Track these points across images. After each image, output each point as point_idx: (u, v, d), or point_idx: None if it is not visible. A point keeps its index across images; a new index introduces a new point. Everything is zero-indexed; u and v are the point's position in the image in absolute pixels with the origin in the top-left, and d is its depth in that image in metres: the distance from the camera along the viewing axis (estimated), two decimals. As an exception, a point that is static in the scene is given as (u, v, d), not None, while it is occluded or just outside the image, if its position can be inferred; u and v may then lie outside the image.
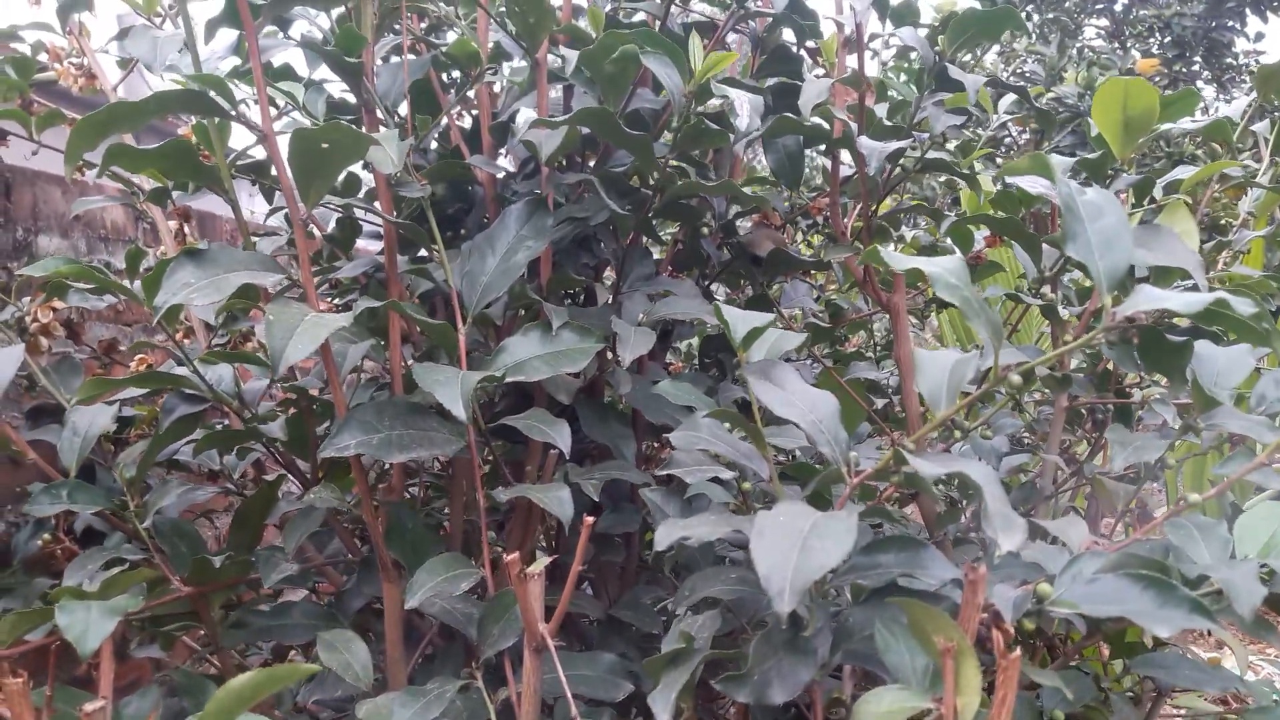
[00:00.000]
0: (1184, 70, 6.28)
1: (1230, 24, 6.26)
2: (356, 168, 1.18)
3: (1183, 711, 1.12)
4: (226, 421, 1.01)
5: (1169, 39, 6.25)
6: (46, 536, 0.99)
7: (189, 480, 1.10)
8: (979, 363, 0.63)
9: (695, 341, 1.45)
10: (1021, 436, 1.17)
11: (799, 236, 1.29)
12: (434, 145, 1.13)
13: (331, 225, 1.10)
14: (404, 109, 0.99)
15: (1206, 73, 6.36)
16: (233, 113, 0.71)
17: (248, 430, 0.84)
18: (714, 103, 0.96)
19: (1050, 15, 6.18)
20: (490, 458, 0.93)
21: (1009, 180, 1.03)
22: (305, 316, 0.70)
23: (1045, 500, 1.07)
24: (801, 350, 1.14)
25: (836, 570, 0.67)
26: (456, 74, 1.12)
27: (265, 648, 1.05)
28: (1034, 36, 6.08)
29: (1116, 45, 6.30)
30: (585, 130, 0.90)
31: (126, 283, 1.01)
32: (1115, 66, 5.68)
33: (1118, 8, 6.69)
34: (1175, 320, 0.99)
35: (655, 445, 1.18)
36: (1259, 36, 6.73)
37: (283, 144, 0.77)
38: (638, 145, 0.83)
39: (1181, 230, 0.88)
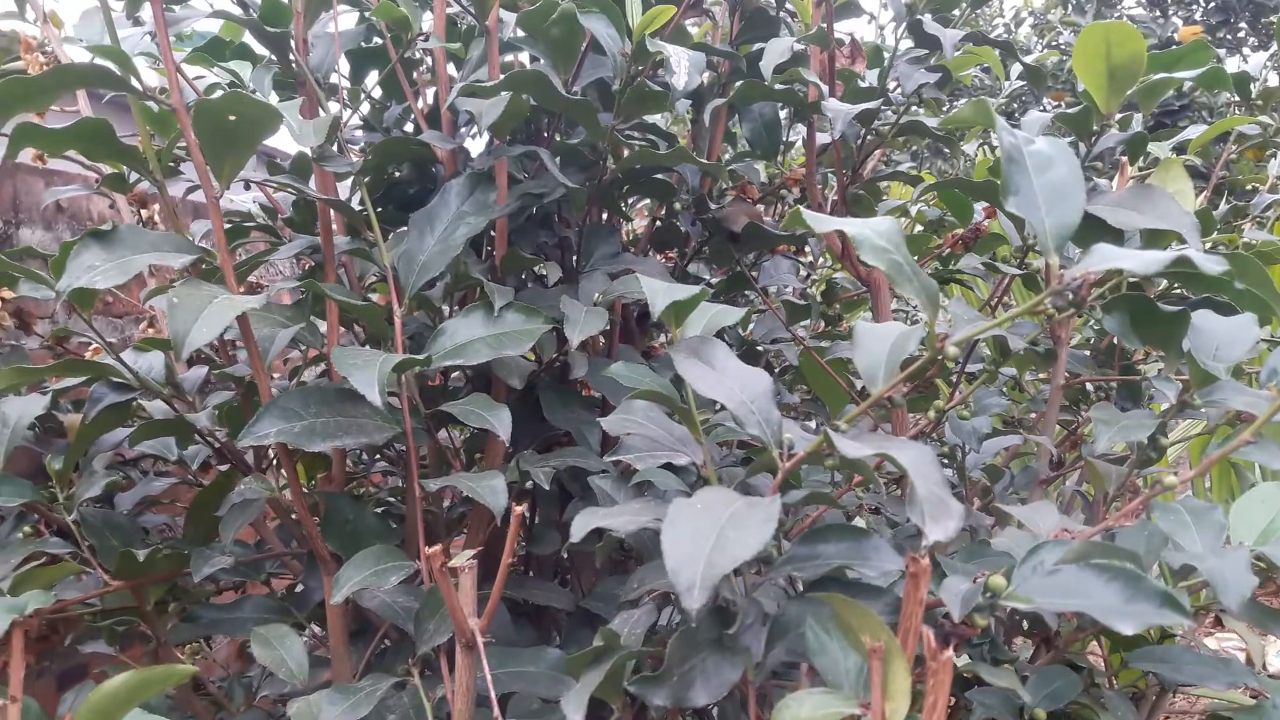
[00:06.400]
0: (1228, 36, 6.05)
1: (1277, -13, 6.02)
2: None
3: (1193, 701, 1.05)
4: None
5: (1213, 4, 6.03)
6: (28, 529, 0.96)
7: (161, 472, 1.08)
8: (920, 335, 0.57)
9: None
10: (1018, 417, 1.11)
11: (782, 209, 1.23)
12: (410, 127, 1.09)
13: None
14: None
15: (1252, 39, 6.13)
16: (137, 86, 0.67)
17: (176, 421, 0.80)
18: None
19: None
20: (426, 448, 0.89)
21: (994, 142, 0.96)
22: (215, 298, 0.67)
23: (1041, 484, 1.00)
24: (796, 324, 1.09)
25: (772, 561, 0.62)
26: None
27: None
28: (1070, 7, 5.90)
29: (1157, 13, 6.09)
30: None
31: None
32: (1155, 35, 5.49)
33: (1158, -27, 6.48)
34: (1176, 290, 0.93)
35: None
36: (1309, -1, 6.45)
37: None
38: (579, 110, 0.78)
39: (1176, 190, 0.81)
